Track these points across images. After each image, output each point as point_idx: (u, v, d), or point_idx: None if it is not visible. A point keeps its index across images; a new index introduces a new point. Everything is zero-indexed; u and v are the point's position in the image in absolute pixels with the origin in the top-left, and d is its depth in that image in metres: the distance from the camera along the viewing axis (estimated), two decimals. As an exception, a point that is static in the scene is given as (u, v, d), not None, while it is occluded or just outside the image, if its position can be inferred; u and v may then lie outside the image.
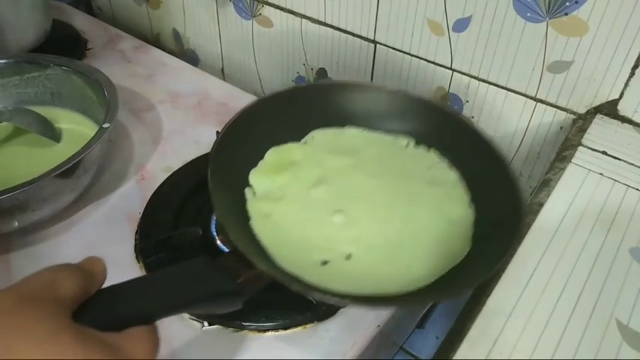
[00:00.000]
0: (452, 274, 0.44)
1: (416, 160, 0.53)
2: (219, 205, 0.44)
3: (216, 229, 0.52)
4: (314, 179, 0.51)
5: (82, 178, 0.55)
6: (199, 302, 0.36)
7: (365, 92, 0.56)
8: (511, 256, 0.42)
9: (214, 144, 0.47)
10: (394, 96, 0.55)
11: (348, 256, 0.45)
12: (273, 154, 0.52)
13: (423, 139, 0.54)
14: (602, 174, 0.50)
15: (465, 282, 0.41)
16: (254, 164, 0.51)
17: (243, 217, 0.47)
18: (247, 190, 0.49)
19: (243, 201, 0.48)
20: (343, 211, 0.48)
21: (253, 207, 0.48)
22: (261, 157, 0.52)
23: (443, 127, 0.53)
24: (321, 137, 0.55)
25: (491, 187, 0.48)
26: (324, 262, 0.44)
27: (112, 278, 0.50)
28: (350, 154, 0.53)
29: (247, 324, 0.47)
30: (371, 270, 0.44)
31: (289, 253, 0.44)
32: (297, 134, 0.54)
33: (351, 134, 0.55)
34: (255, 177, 0.50)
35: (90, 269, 0.33)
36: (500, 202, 0.46)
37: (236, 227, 0.44)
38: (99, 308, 0.32)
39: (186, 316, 0.48)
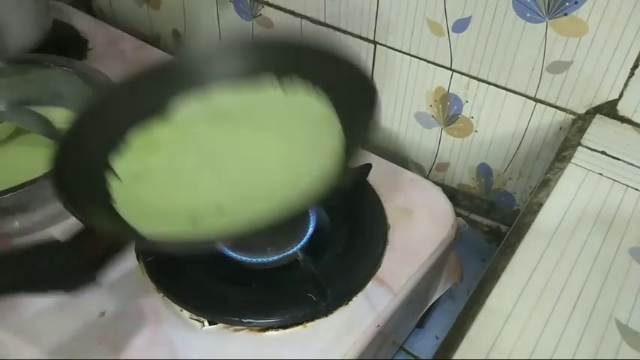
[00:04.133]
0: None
1: (286, 104, 0.52)
2: (62, 189, 0.41)
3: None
4: (179, 151, 0.49)
5: (83, 178, 0.55)
6: (42, 281, 0.36)
7: (216, 51, 0.54)
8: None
9: (63, 132, 0.46)
10: (243, 46, 0.54)
11: (219, 207, 0.43)
12: (136, 137, 0.50)
13: (283, 70, 0.52)
14: (601, 174, 0.50)
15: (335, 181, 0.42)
16: (116, 149, 0.49)
17: (107, 202, 0.45)
18: (109, 177, 0.47)
19: (104, 188, 0.46)
20: (212, 169, 0.47)
21: (116, 190, 0.46)
22: (123, 141, 0.49)
23: (295, 54, 0.52)
24: (184, 108, 0.52)
25: (351, 94, 0.48)
26: (194, 220, 0.43)
27: (112, 278, 0.50)
28: (218, 118, 0.52)
29: (247, 321, 0.47)
30: (244, 215, 0.40)
31: (157, 223, 0.43)
32: (157, 109, 0.51)
33: (215, 96, 0.53)
34: (116, 161, 0.48)
35: None
36: (359, 104, 0.46)
37: (90, 208, 0.42)
38: None
39: (186, 316, 0.48)
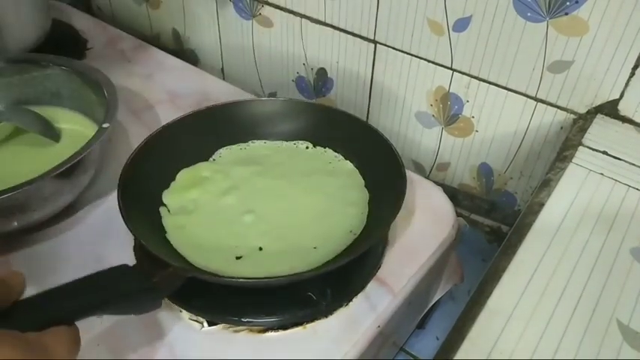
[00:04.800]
0: (353, 246, 0.51)
1: (315, 158, 0.60)
2: (133, 221, 0.47)
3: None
4: (223, 189, 0.56)
5: (82, 178, 0.55)
6: (117, 301, 0.39)
7: (261, 106, 0.62)
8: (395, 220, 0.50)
9: (124, 167, 0.52)
10: (286, 105, 0.62)
11: (260, 249, 0.50)
12: (183, 174, 0.57)
13: (319, 139, 0.61)
14: (602, 174, 0.50)
15: (361, 245, 0.50)
16: (166, 186, 0.56)
17: (159, 231, 0.51)
18: (162, 209, 0.54)
19: (158, 219, 0.53)
20: (252, 212, 0.53)
21: (168, 222, 0.53)
22: (173, 179, 0.57)
23: (334, 126, 0.60)
24: (227, 153, 0.60)
25: (380, 168, 0.55)
26: (238, 257, 0.49)
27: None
28: (255, 163, 0.59)
29: (247, 321, 0.47)
30: (281, 257, 0.49)
31: (205, 255, 0.49)
32: (204, 154, 0.60)
33: (255, 146, 0.61)
34: (167, 196, 0.55)
35: (6, 280, 0.34)
36: (387, 179, 0.53)
37: (150, 237, 0.48)
38: (18, 312, 0.33)
39: (185, 316, 0.48)
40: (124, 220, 0.47)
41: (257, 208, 0.54)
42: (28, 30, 0.73)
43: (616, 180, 0.49)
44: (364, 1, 0.65)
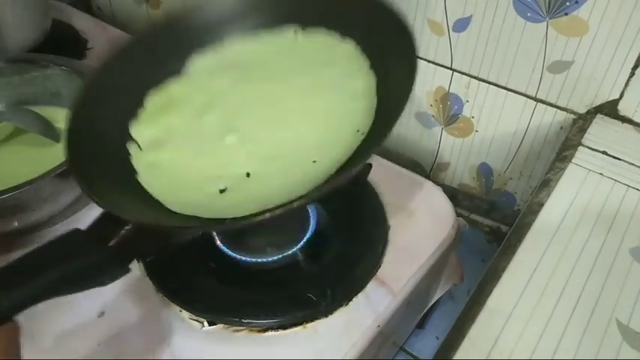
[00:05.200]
0: (361, 148, 0.41)
1: (306, 47, 0.48)
2: (78, 168, 0.38)
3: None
4: (200, 109, 0.46)
5: (82, 178, 0.55)
6: (69, 281, 0.33)
7: (243, 5, 0.49)
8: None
9: (73, 102, 0.41)
10: None
11: (247, 175, 0.41)
12: (152, 99, 0.46)
13: (307, 20, 0.48)
14: (602, 174, 0.50)
15: (373, 143, 0.39)
16: (134, 115, 0.45)
17: (129, 175, 0.42)
18: (131, 146, 0.43)
19: (126, 163, 0.43)
20: (236, 130, 0.43)
21: (138, 161, 0.43)
22: (141, 105, 0.46)
23: (322, 1, 0.48)
24: (200, 63, 0.48)
25: (386, 41, 0.44)
26: (223, 190, 0.40)
27: (112, 278, 0.50)
28: (235, 69, 0.48)
29: (247, 321, 0.47)
30: (276, 182, 0.40)
31: (183, 194, 0.40)
32: (174, 67, 0.48)
33: (233, 49, 0.49)
34: (136, 127, 0.44)
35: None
36: (397, 54, 0.42)
37: (109, 187, 0.39)
38: None
39: (185, 316, 0.48)
40: (69, 166, 0.38)
41: (241, 124, 0.44)
42: (28, 30, 0.73)
43: (615, 180, 0.49)
44: (364, 1, 0.65)
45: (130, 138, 0.44)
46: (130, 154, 0.43)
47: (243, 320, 0.47)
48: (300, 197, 0.36)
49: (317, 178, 0.39)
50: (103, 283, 0.35)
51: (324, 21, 0.48)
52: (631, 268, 0.42)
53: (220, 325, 0.47)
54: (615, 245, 0.44)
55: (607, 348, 0.38)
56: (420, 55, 0.65)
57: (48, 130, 0.61)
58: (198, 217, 0.38)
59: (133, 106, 0.45)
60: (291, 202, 0.36)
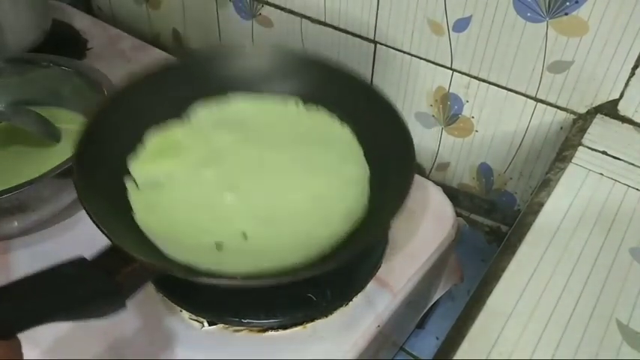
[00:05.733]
0: (354, 234, 0.43)
1: (306, 121, 0.50)
2: (89, 200, 0.39)
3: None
4: (201, 160, 0.47)
5: (82, 178, 0.55)
6: (71, 307, 0.33)
7: (243, 55, 0.52)
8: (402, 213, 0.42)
9: (79, 134, 0.43)
10: (273, 55, 0.52)
11: (244, 235, 0.42)
12: (153, 139, 0.47)
13: (310, 97, 0.51)
14: (602, 174, 0.50)
15: (365, 237, 0.42)
16: (132, 150, 0.47)
17: (125, 210, 0.43)
18: (128, 182, 0.45)
19: (123, 194, 0.44)
20: (235, 189, 0.45)
21: (135, 199, 0.44)
22: (140, 141, 0.47)
23: (327, 81, 0.51)
24: (204, 112, 0.50)
25: (382, 133, 0.47)
26: (219, 246, 0.42)
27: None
28: (237, 126, 0.49)
29: (247, 321, 0.47)
30: (270, 245, 0.42)
31: (180, 242, 0.41)
32: (176, 110, 0.49)
33: (236, 104, 0.51)
34: (135, 166, 0.46)
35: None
36: (392, 147, 0.45)
37: (112, 221, 0.40)
38: None
39: (186, 316, 0.48)
40: (79, 197, 0.39)
41: (240, 184, 0.45)
42: (28, 30, 0.73)
43: (615, 180, 0.49)
44: (364, 1, 0.65)
45: (127, 172, 0.45)
46: (127, 189, 0.44)
47: (243, 320, 0.47)
48: (293, 271, 0.39)
49: (309, 250, 0.41)
50: (101, 316, 0.35)
51: (326, 103, 0.50)
52: (631, 268, 0.42)
53: (220, 325, 0.47)
54: (615, 245, 0.44)
55: (607, 348, 0.37)
56: (420, 55, 0.65)
57: (48, 130, 0.61)
58: (192, 267, 0.39)
59: (132, 141, 0.47)
60: (282, 273, 0.39)
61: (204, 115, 0.50)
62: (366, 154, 0.48)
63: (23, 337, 0.44)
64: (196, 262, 0.40)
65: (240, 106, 0.51)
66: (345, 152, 0.49)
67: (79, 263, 0.34)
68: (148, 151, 0.47)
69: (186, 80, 0.50)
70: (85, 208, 0.38)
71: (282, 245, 0.42)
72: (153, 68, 0.49)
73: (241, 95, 0.51)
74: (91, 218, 0.38)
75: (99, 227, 0.37)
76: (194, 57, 0.51)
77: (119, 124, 0.46)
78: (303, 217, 0.44)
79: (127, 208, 0.43)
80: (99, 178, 0.42)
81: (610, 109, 0.56)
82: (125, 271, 0.35)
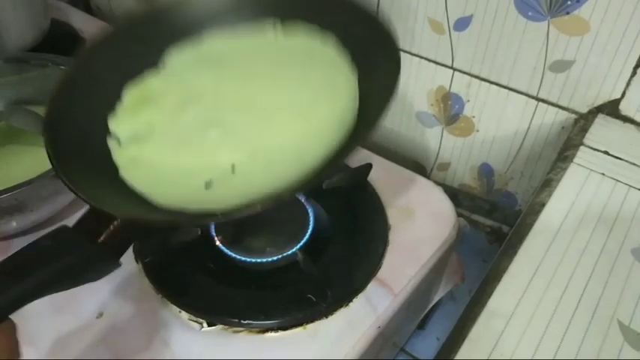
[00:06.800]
0: (346, 142, 0.41)
1: (285, 46, 0.48)
2: (66, 161, 0.38)
3: None
4: (180, 104, 0.45)
5: (81, 178, 0.55)
6: (60, 279, 0.33)
7: None
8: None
9: (52, 94, 0.41)
10: None
11: (232, 168, 0.40)
12: (130, 93, 0.46)
13: (287, 13, 0.48)
14: (603, 174, 0.50)
15: (354, 140, 0.40)
16: (112, 109, 0.44)
17: (111, 171, 0.41)
18: (110, 142, 0.43)
19: (108, 156, 0.42)
20: (218, 124, 0.43)
21: (119, 156, 0.42)
22: (119, 99, 0.45)
23: None
24: (178, 57, 0.48)
25: (363, 34, 0.45)
26: (208, 184, 0.40)
27: (111, 279, 0.50)
28: (214, 65, 0.47)
29: (246, 322, 0.47)
30: (260, 175, 0.40)
31: (168, 188, 0.40)
32: (151, 60, 0.47)
33: (211, 44, 0.49)
34: (115, 122, 0.44)
35: None
36: (375, 45, 0.43)
37: (94, 184, 0.38)
38: None
39: (185, 317, 0.47)
40: (51, 160, 0.37)
41: (223, 119, 0.44)
42: (27, 29, 0.73)
43: (617, 180, 0.49)
44: (364, 1, 0.65)
45: (108, 132, 0.43)
46: (107, 147, 0.42)
47: (242, 321, 0.47)
48: (289, 189, 0.37)
49: (303, 173, 0.39)
50: (95, 279, 0.35)
51: (303, 14, 0.48)
52: (632, 269, 0.42)
53: (220, 326, 0.47)
54: (617, 246, 0.44)
55: (608, 349, 0.37)
56: (421, 54, 0.64)
57: (47, 129, 0.61)
58: (185, 212, 0.38)
59: (111, 100, 0.45)
60: (280, 193, 0.36)
61: (179, 59, 0.48)
62: (353, 60, 0.46)
63: (22, 337, 0.44)
64: (187, 206, 0.38)
65: (215, 45, 0.49)
66: (330, 66, 0.46)
67: (59, 232, 0.34)
68: (125, 105, 0.45)
69: (157, 28, 0.48)
70: (55, 171, 0.36)
71: (275, 174, 0.40)
72: (119, 23, 0.48)
73: (216, 33, 0.49)
74: (61, 179, 0.36)
75: (67, 186, 0.36)
76: (161, 4, 0.48)
77: (94, 83, 0.44)
78: (294, 139, 0.42)
79: (114, 170, 0.41)
80: (78, 142, 0.41)
81: (611, 108, 0.56)
82: (108, 232, 0.34)
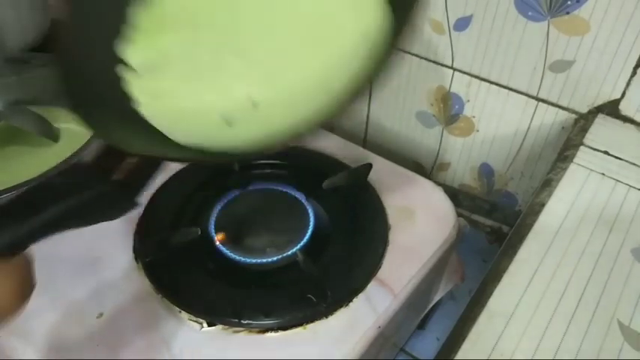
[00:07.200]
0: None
1: None
2: (78, 104, 0.34)
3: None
4: (196, 28, 0.42)
5: (81, 178, 0.55)
6: (75, 215, 0.32)
7: None
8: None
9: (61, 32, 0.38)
10: None
11: (255, 104, 0.37)
12: (143, 14, 0.41)
13: None
14: (603, 174, 0.49)
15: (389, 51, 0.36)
16: (117, 35, 0.40)
17: (124, 103, 0.38)
18: (122, 69, 0.39)
19: (117, 85, 0.38)
20: (237, 53, 0.40)
21: (137, 87, 0.39)
22: (124, 22, 0.41)
23: None
24: None
25: None
26: (229, 122, 0.37)
27: (112, 279, 0.50)
28: None
29: (246, 322, 0.47)
30: (284, 112, 0.37)
31: (187, 125, 0.37)
32: None
33: None
34: (128, 50, 0.40)
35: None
36: None
37: (104, 117, 0.35)
38: None
39: (185, 317, 0.47)
40: (65, 91, 0.34)
41: (241, 46, 0.40)
42: (27, 29, 0.72)
43: (617, 180, 0.49)
44: (364, 1, 0.65)
45: (120, 61, 0.39)
46: (120, 78, 0.39)
47: (242, 321, 0.47)
48: (309, 125, 0.34)
49: (328, 102, 0.36)
50: (112, 217, 0.35)
51: None
52: (632, 269, 0.42)
53: (220, 326, 0.47)
54: (617, 246, 0.44)
55: (608, 349, 0.37)
56: (421, 54, 0.64)
57: (47, 130, 0.61)
58: (204, 150, 0.36)
59: (116, 23, 0.40)
60: (301, 131, 0.33)
61: None
62: None
63: (21, 336, 0.44)
64: (207, 143, 0.36)
65: None
66: None
67: (74, 169, 0.34)
68: (140, 30, 0.41)
69: None
70: (71, 110, 0.34)
71: (297, 106, 0.37)
72: None
73: None
74: (76, 113, 0.33)
75: (82, 121, 0.33)
76: None
77: (100, 7, 0.40)
78: (315, 67, 0.38)
79: (127, 103, 0.38)
80: (87, 71, 0.37)
81: (611, 108, 0.56)
82: (124, 168, 0.33)
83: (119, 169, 0.33)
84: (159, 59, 0.40)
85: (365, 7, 0.40)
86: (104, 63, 0.39)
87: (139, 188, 0.35)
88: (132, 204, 0.35)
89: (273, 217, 0.55)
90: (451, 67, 0.63)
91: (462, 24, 0.59)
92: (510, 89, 0.61)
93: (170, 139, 0.36)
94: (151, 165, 0.36)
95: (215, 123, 0.37)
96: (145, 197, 0.57)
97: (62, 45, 0.37)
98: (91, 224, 0.34)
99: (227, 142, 0.36)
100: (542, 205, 0.47)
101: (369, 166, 0.58)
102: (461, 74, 0.63)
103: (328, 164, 0.61)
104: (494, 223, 0.74)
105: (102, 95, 0.37)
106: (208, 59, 0.40)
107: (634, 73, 0.53)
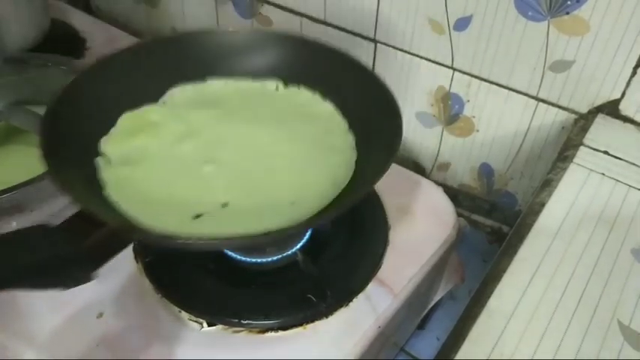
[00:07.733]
0: (340, 198, 0.42)
1: (287, 100, 0.50)
2: (59, 168, 0.37)
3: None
4: (178, 135, 0.46)
5: (81, 178, 0.55)
6: (33, 274, 0.31)
7: (220, 38, 0.51)
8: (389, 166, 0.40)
9: (46, 110, 0.41)
10: (251, 36, 0.51)
11: (224, 205, 0.41)
12: (126, 119, 0.46)
13: (291, 77, 0.50)
14: (603, 174, 0.50)
15: (350, 197, 0.41)
16: (105, 132, 0.45)
17: (95, 188, 0.41)
18: (99, 160, 0.43)
19: (93, 173, 0.42)
20: (214, 161, 0.44)
21: (107, 174, 0.42)
22: (113, 125, 0.46)
23: (306, 59, 0.50)
24: (180, 94, 0.49)
25: (367, 106, 0.46)
26: (198, 216, 0.40)
27: (111, 279, 0.50)
28: (215, 105, 0.49)
29: (246, 322, 0.47)
30: (251, 215, 0.40)
31: (153, 214, 0.39)
32: (152, 95, 0.48)
33: (214, 86, 0.50)
34: (107, 144, 0.44)
35: None
36: (378, 117, 0.45)
37: (82, 191, 0.38)
38: None
39: (185, 317, 0.47)
40: (46, 161, 0.36)
41: (220, 156, 0.44)
42: (27, 29, 0.73)
43: (617, 180, 0.49)
44: (364, 1, 0.65)
45: (98, 154, 0.43)
46: (97, 168, 0.43)
47: (242, 321, 0.47)
48: (283, 229, 0.37)
49: (293, 219, 0.39)
50: (65, 286, 0.34)
51: (307, 80, 0.50)
52: (632, 269, 0.42)
53: (220, 326, 0.47)
54: (617, 246, 0.44)
55: (608, 349, 0.37)
56: (421, 54, 0.64)
57: (47, 129, 0.61)
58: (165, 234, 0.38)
59: (105, 124, 0.45)
60: (262, 234, 0.36)
61: (180, 96, 0.49)
62: (350, 126, 0.48)
63: (22, 337, 0.44)
64: (172, 230, 0.38)
65: (217, 88, 0.50)
66: (328, 124, 0.48)
67: (44, 228, 0.33)
68: (120, 129, 0.46)
69: (161, 64, 0.49)
70: (50, 177, 0.35)
71: (264, 214, 0.40)
72: (131, 47, 0.48)
73: (219, 79, 0.51)
74: (55, 181, 0.35)
75: (63, 189, 0.35)
76: (169, 40, 0.50)
77: (91, 105, 0.44)
78: (286, 186, 0.43)
79: (99, 187, 0.41)
80: (68, 156, 0.40)
81: (611, 108, 0.56)
82: (94, 236, 0.33)
83: (89, 236, 0.33)
84: (136, 154, 0.44)
85: (334, 153, 0.45)
86: (87, 154, 0.43)
87: (101, 260, 0.34)
88: (89, 275, 0.34)
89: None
90: (451, 67, 0.63)
91: (462, 24, 0.59)
92: (510, 89, 0.61)
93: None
94: (116, 239, 0.35)
95: (182, 215, 0.40)
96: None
97: (54, 114, 0.41)
98: (42, 289, 0.34)
99: (192, 232, 0.39)
100: (542, 205, 0.47)
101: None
102: (461, 74, 0.63)
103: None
104: (494, 223, 0.74)
105: (81, 176, 0.40)
106: (185, 163, 0.44)
107: (634, 73, 0.53)
